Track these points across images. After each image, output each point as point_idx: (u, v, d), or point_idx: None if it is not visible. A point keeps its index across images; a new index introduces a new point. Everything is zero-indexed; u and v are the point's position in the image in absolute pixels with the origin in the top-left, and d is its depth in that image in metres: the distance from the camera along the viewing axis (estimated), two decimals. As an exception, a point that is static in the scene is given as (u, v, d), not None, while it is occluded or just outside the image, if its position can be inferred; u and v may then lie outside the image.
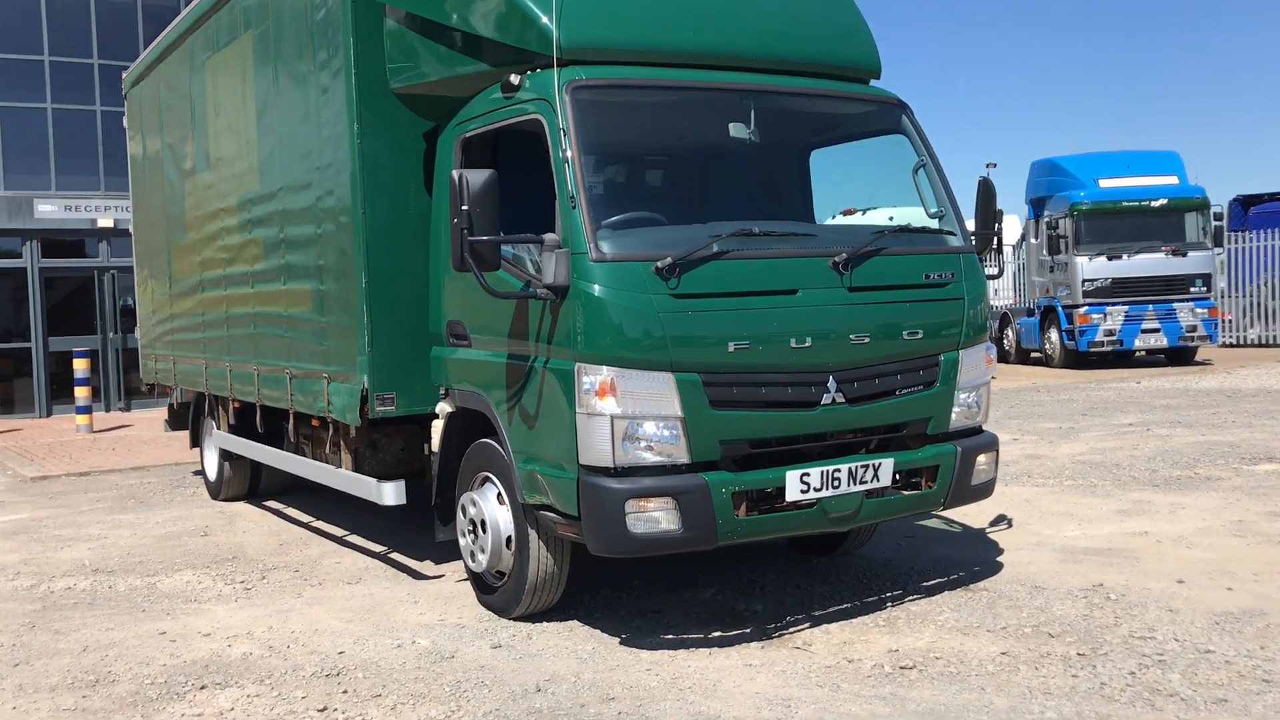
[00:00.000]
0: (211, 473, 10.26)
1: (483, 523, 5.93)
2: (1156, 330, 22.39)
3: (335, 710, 4.71)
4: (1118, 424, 13.33)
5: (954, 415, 5.97)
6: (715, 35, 5.83)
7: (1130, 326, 22.35)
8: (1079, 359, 22.95)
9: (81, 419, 17.47)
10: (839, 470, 5.48)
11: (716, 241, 5.25)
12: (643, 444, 5.12)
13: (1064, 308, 22.98)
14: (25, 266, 19.87)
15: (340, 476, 7.28)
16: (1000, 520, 7.97)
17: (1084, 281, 22.37)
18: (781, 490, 5.36)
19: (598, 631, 5.71)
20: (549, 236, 5.20)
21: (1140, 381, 19.29)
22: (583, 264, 5.09)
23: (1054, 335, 23.64)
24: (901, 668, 4.97)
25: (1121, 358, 23.23)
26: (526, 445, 5.61)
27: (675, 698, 4.67)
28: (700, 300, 5.18)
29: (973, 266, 6.09)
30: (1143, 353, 23.49)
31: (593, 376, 5.06)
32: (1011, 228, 31.52)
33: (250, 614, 6.28)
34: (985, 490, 6.16)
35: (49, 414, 20.00)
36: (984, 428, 6.27)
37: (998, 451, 6.22)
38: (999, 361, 25.37)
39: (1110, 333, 22.35)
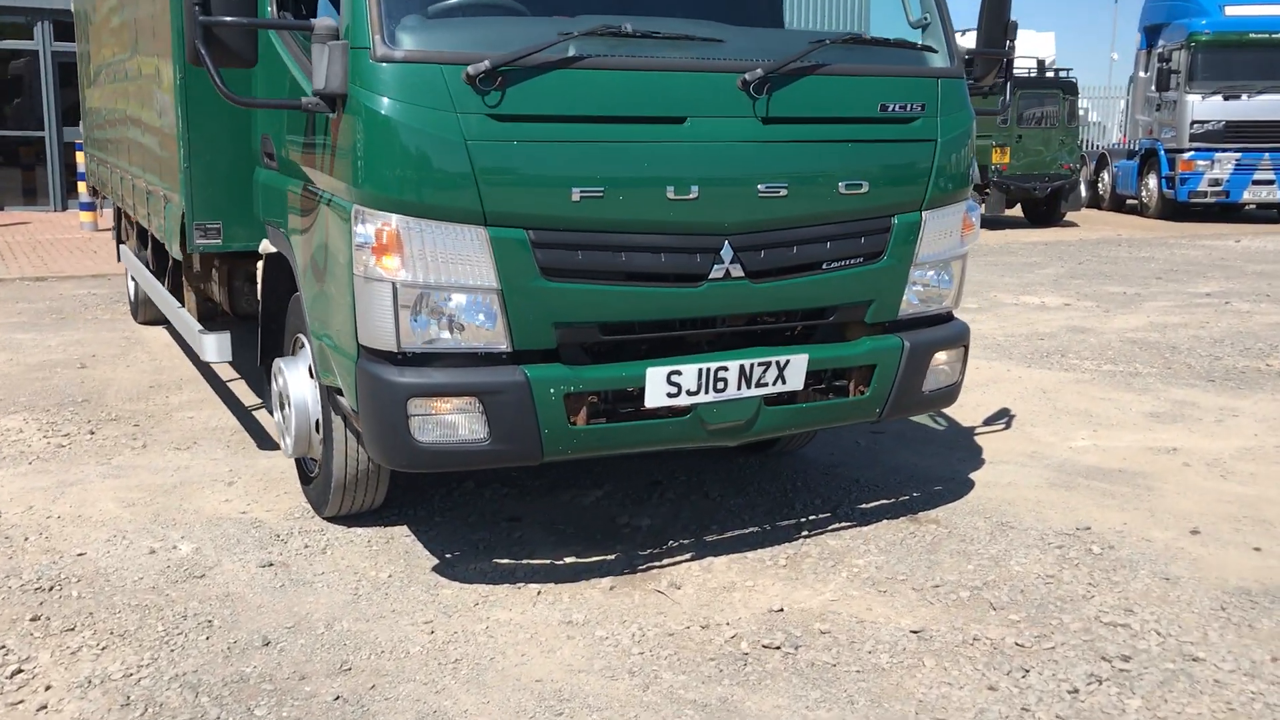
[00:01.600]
0: (130, 292, 9.15)
1: (290, 398, 4.66)
2: (1271, 182, 20.04)
3: (3, 648, 3.58)
4: (1193, 293, 11.53)
5: (907, 299, 4.47)
6: None
7: (1240, 176, 20.01)
8: (1177, 210, 20.73)
9: (86, 216, 16.51)
10: (725, 368, 4.06)
11: (568, 41, 3.73)
12: (442, 322, 3.75)
13: (1166, 152, 20.67)
14: (37, 49, 18.70)
15: (177, 317, 6.05)
16: (999, 417, 6.49)
17: (1192, 123, 19.99)
18: (642, 392, 3.98)
19: (418, 547, 4.48)
20: (321, 21, 3.72)
21: (1239, 240, 17.19)
22: (363, 64, 3.63)
23: (1152, 182, 21.40)
24: (765, 646, 3.66)
25: (1227, 211, 20.93)
26: (316, 307, 4.29)
27: (424, 678, 3.42)
28: (533, 125, 3.70)
29: (956, 97, 4.47)
30: (1252, 206, 21.14)
31: (369, 226, 3.66)
32: (1042, 47, 28.35)
33: (28, 483, 5.16)
34: (943, 398, 4.70)
35: (64, 208, 19.15)
36: (955, 314, 4.76)
37: (966, 346, 4.72)
38: (1089, 207, 23.19)
39: (1216, 182, 20.06)
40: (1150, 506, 5.01)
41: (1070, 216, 20.68)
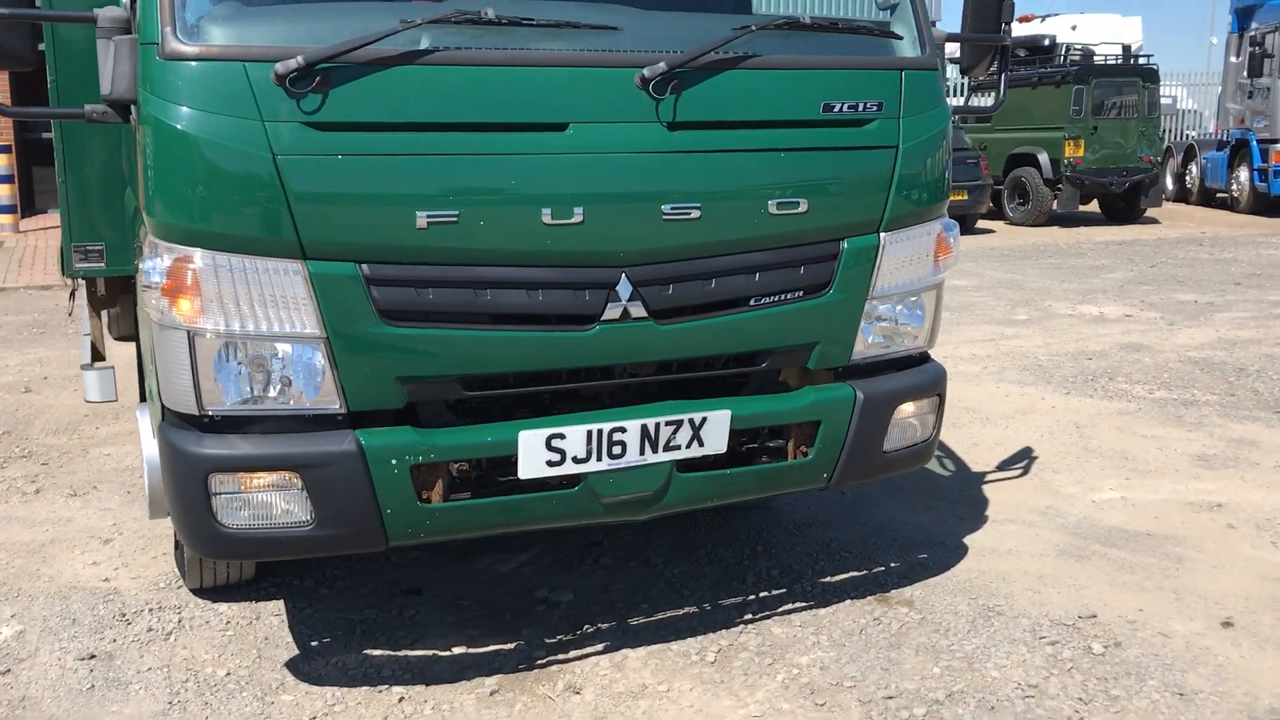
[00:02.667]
0: (104, 307, 8.63)
1: (143, 453, 4.01)
2: (1373, 175, 18.58)
3: None
4: (1274, 301, 10.42)
5: (863, 339, 3.67)
6: None
7: (1339, 169, 18.59)
8: (1270, 205, 19.35)
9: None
10: (623, 429, 3.31)
11: (410, 29, 3.00)
12: (256, 379, 3.06)
13: (1259, 142, 19.26)
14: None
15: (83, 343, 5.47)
16: (1018, 460, 5.62)
17: (1286, 111, 18.59)
18: (513, 460, 3.24)
19: (282, 631, 3.81)
20: (106, 12, 3.03)
21: (1335, 239, 15.86)
22: (151, 62, 2.94)
23: (1243, 175, 20.00)
24: (646, 789, 2.91)
25: (1323, 206, 19.48)
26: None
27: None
28: (363, 135, 2.98)
29: (924, 93, 3.64)
30: (1352, 201, 19.65)
31: (161, 261, 2.97)
32: (1128, 33, 26.57)
33: (-114, 539, 4.60)
34: (911, 458, 3.88)
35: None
36: (930, 354, 3.95)
37: (941, 395, 3.90)
38: (1175, 202, 21.82)
39: (1312, 175, 18.65)
40: (1177, 585, 4.14)
41: (1151, 213, 19.41)
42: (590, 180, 3.17)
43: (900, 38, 3.69)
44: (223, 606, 3.96)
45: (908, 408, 3.76)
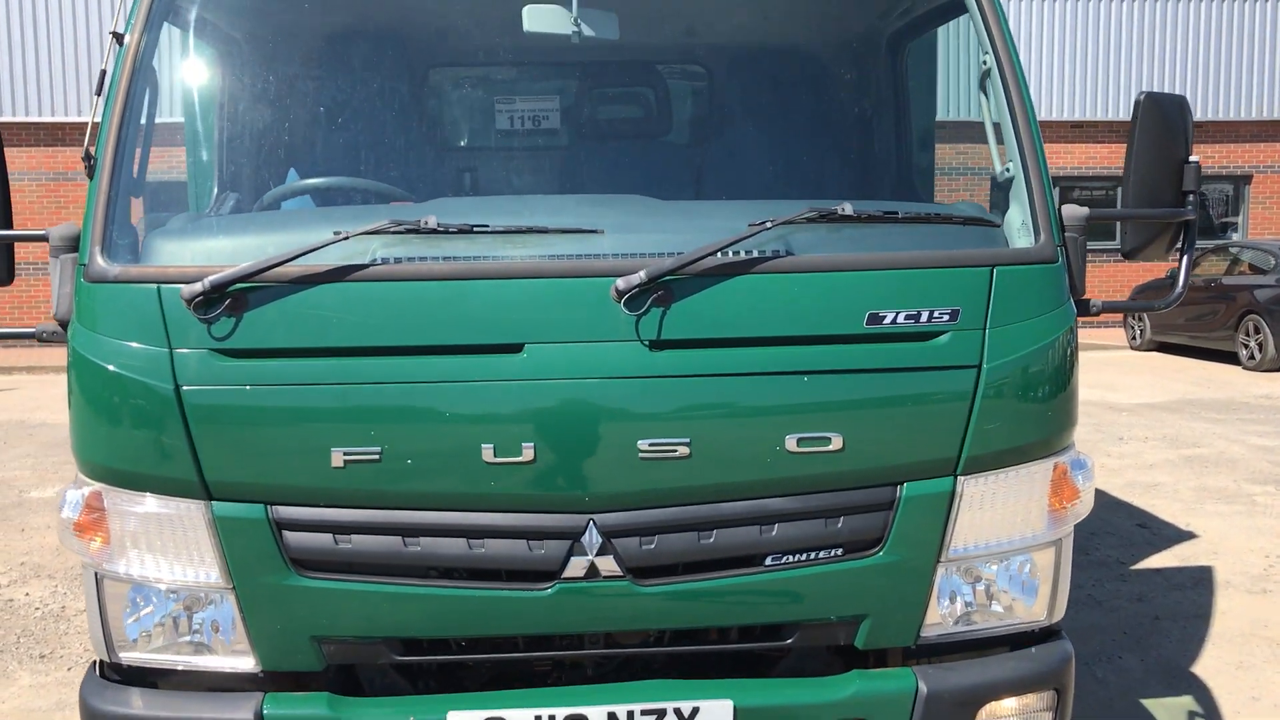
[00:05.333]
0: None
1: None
2: None
3: None
4: None
5: (936, 612, 2.82)
6: None
7: None
8: None
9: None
10: (583, 717, 2.68)
11: (337, 243, 2.65)
12: (168, 629, 2.76)
13: None
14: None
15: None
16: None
17: None
18: (451, 742, 2.71)
19: None
20: (58, 230, 2.90)
21: None
22: (78, 284, 2.78)
23: None
24: None
25: None
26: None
27: None
28: (274, 362, 2.64)
29: (1030, 293, 2.80)
30: None
31: (75, 495, 2.77)
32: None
33: None
34: (1010, 775, 2.90)
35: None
36: (1053, 628, 2.98)
37: (1062, 688, 2.90)
38: None
39: None
40: None
41: None
42: (543, 410, 2.63)
43: (995, 224, 2.87)
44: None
45: (1008, 704, 2.83)
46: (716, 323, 2.66)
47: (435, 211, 2.76)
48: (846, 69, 4.01)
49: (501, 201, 3.15)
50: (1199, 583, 6.06)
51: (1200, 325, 16.35)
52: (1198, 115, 18.88)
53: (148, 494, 2.67)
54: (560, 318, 2.64)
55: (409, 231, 2.66)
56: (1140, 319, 17.93)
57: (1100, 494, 7.90)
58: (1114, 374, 15.04)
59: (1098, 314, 2.97)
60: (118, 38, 2.93)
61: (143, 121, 2.94)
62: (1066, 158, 21.02)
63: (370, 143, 3.63)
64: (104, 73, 2.93)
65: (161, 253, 2.75)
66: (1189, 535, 7.00)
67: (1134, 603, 5.75)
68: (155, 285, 2.66)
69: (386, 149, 3.66)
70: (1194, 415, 11.53)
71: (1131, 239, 3.10)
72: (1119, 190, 2.98)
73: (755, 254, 2.69)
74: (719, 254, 2.65)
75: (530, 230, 2.71)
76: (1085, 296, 2.96)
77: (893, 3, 3.71)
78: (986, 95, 3.07)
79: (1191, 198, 3.05)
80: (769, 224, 2.69)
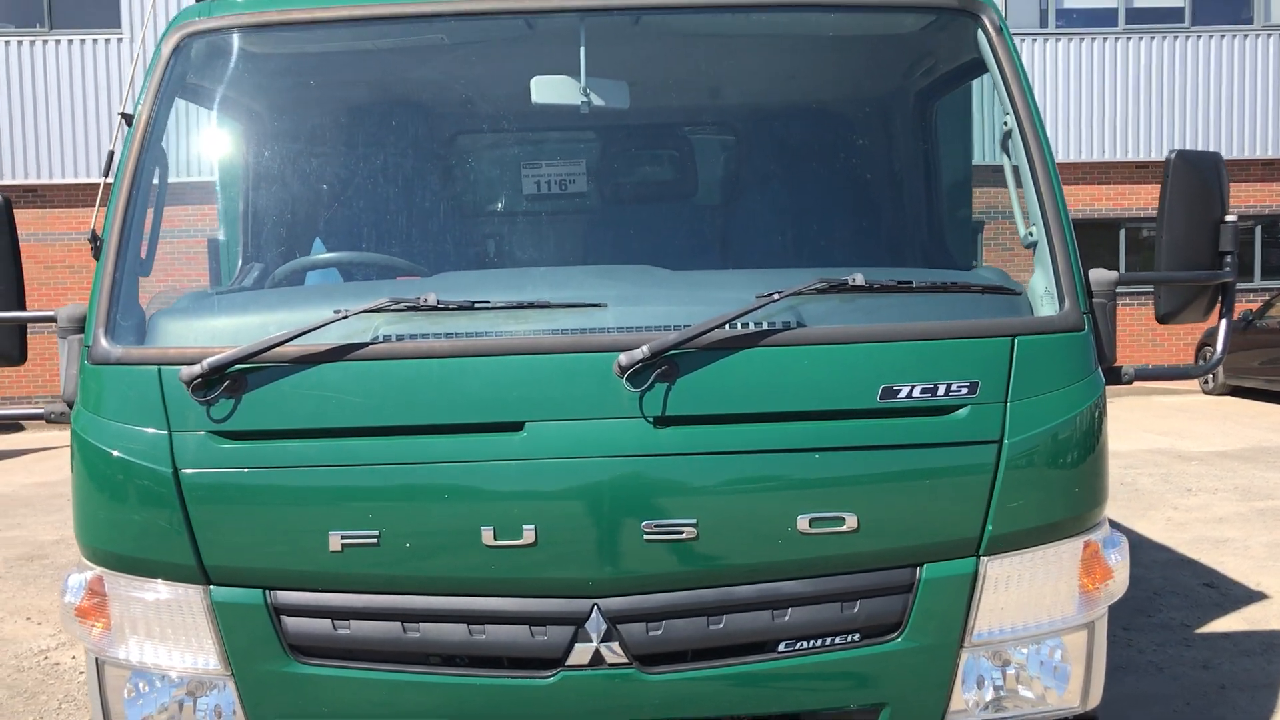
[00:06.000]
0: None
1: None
2: None
3: None
4: None
5: (960, 699, 2.68)
6: None
7: None
8: None
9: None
10: (584, 811, 2.59)
11: (334, 323, 2.61)
12: (166, 718, 2.71)
13: None
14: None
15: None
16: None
17: None
18: (449, 834, 2.62)
19: None
20: (66, 311, 2.90)
21: None
22: (82, 366, 2.77)
23: None
24: None
25: None
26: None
27: None
28: (272, 445, 2.60)
29: (1055, 364, 2.68)
30: None
31: (76, 578, 2.74)
32: None
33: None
34: None
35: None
36: (1091, 713, 2.82)
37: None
38: None
39: None
40: None
41: None
42: (544, 491, 2.56)
43: (1016, 292, 2.76)
44: None
45: (1048, 802, 2.68)
46: (723, 398, 2.58)
47: (438, 286, 2.72)
48: (869, 129, 3.93)
49: (505, 275, 3.11)
50: (1270, 648, 5.78)
51: (1278, 369, 15.86)
52: (1253, 153, 18.49)
53: (146, 579, 2.64)
54: (561, 395, 2.58)
55: (409, 309, 2.62)
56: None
57: (1165, 550, 7.63)
58: (1184, 420, 14.61)
59: (1129, 382, 2.84)
60: (126, 119, 2.94)
61: (152, 200, 2.94)
62: (1133, 199, 20.62)
63: (381, 213, 3.61)
64: (111, 154, 2.94)
65: (165, 333, 2.74)
66: (1259, 596, 6.70)
67: (1198, 670, 5.50)
68: (156, 367, 2.64)
69: (397, 219, 3.64)
70: (1269, 464, 11.13)
71: (1166, 303, 2.97)
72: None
73: (764, 326, 2.60)
74: (725, 327, 2.57)
75: (532, 305, 2.65)
76: (1116, 364, 2.83)
77: (914, 63, 3.62)
78: (1009, 155, 2.96)
79: (1229, 258, 2.92)
80: (777, 296, 2.61)
